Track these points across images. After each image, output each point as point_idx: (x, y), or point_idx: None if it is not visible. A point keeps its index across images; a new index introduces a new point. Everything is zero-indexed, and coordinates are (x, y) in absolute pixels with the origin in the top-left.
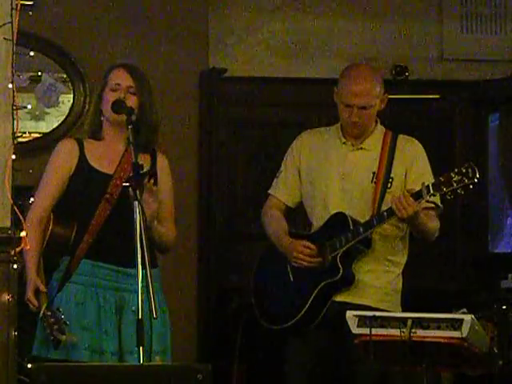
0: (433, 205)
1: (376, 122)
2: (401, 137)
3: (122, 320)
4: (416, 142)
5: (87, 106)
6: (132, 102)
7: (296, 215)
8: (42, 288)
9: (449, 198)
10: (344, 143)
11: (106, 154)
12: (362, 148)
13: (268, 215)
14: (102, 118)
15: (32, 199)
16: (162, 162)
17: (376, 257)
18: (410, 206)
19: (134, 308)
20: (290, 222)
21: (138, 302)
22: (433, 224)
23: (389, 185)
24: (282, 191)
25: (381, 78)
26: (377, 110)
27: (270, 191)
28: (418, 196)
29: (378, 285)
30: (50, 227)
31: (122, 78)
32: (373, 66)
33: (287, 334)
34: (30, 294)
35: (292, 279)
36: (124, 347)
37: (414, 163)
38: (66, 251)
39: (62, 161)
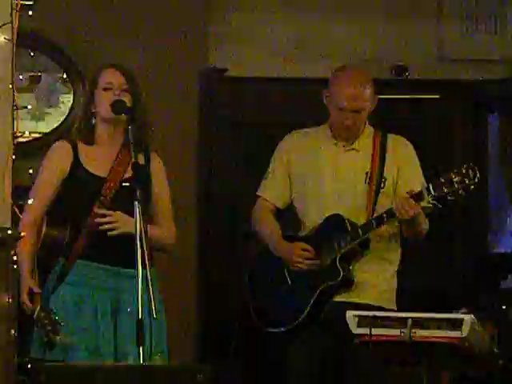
0: (431, 205)
1: (365, 122)
2: (390, 136)
3: (117, 321)
4: (405, 140)
5: None
6: (128, 100)
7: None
8: (37, 289)
9: (450, 198)
10: (335, 144)
11: (100, 156)
12: (353, 149)
13: (259, 218)
14: (94, 121)
15: (30, 200)
16: (156, 162)
17: (372, 256)
18: (411, 208)
19: (129, 309)
20: (280, 221)
21: (138, 302)
22: (425, 224)
23: (382, 185)
24: (272, 193)
25: (371, 80)
26: (368, 112)
27: (258, 193)
28: (418, 198)
29: (376, 283)
30: (44, 229)
31: (113, 77)
32: (362, 68)
33: (287, 336)
34: (24, 296)
35: (290, 282)
36: (119, 348)
37: (405, 162)
38: (60, 253)
39: (56, 163)
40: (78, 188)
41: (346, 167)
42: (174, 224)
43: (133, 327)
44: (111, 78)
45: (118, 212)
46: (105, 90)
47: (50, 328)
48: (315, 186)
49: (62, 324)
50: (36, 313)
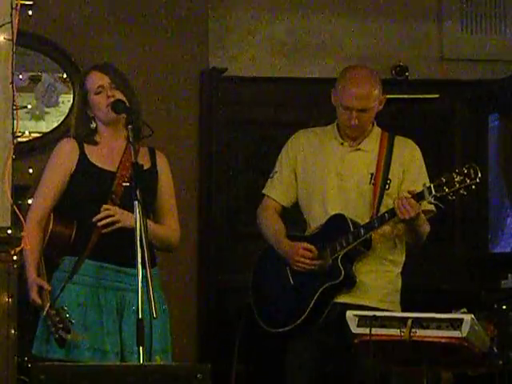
0: (432, 206)
1: (373, 123)
2: (397, 138)
3: (122, 320)
4: (412, 143)
5: None
6: (119, 96)
7: (293, 214)
8: (47, 286)
9: (451, 198)
10: (341, 144)
11: (107, 152)
12: (359, 149)
13: (264, 216)
14: (94, 125)
15: (31, 200)
16: (161, 160)
17: (376, 257)
18: (412, 208)
19: (134, 308)
20: (287, 220)
21: (138, 301)
22: (426, 227)
23: (387, 186)
24: (278, 191)
25: (379, 80)
26: (375, 112)
27: (264, 191)
28: (419, 197)
29: (378, 285)
30: (51, 227)
31: (100, 79)
32: (371, 68)
33: (288, 336)
34: (33, 295)
35: (292, 282)
36: (125, 347)
37: (411, 165)
38: (66, 250)
39: (63, 160)
40: (87, 183)
41: (351, 167)
42: (178, 222)
43: None
44: (99, 81)
45: (116, 207)
46: (97, 94)
47: (61, 326)
48: (320, 186)
49: (73, 322)
50: (45, 310)
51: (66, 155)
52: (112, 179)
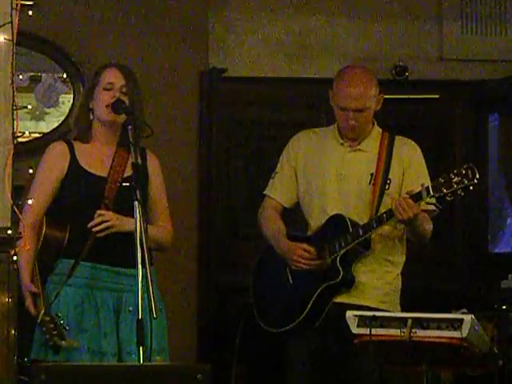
0: (433, 207)
1: (373, 123)
2: (398, 138)
3: (119, 320)
4: (413, 143)
5: None
6: (124, 99)
7: (296, 215)
8: (38, 291)
9: (448, 199)
10: (341, 144)
11: (97, 156)
12: (359, 149)
13: (265, 217)
14: (92, 118)
15: (30, 201)
16: (152, 161)
17: (375, 257)
18: (409, 209)
19: (130, 308)
20: (289, 221)
21: (138, 301)
22: (428, 226)
23: (387, 186)
24: (279, 192)
25: (375, 79)
26: (373, 111)
27: (265, 192)
28: (417, 198)
29: (377, 285)
30: (44, 230)
31: (115, 77)
32: (366, 67)
33: (287, 336)
34: (28, 303)
35: (291, 282)
36: (122, 347)
37: (411, 165)
38: (60, 254)
39: (53, 164)
40: (77, 188)
41: (350, 168)
42: (172, 224)
43: (135, 326)
44: (113, 78)
45: (110, 212)
46: (105, 89)
47: (55, 333)
48: (320, 186)
49: (68, 328)
50: (40, 317)
51: (56, 158)
52: (103, 184)
